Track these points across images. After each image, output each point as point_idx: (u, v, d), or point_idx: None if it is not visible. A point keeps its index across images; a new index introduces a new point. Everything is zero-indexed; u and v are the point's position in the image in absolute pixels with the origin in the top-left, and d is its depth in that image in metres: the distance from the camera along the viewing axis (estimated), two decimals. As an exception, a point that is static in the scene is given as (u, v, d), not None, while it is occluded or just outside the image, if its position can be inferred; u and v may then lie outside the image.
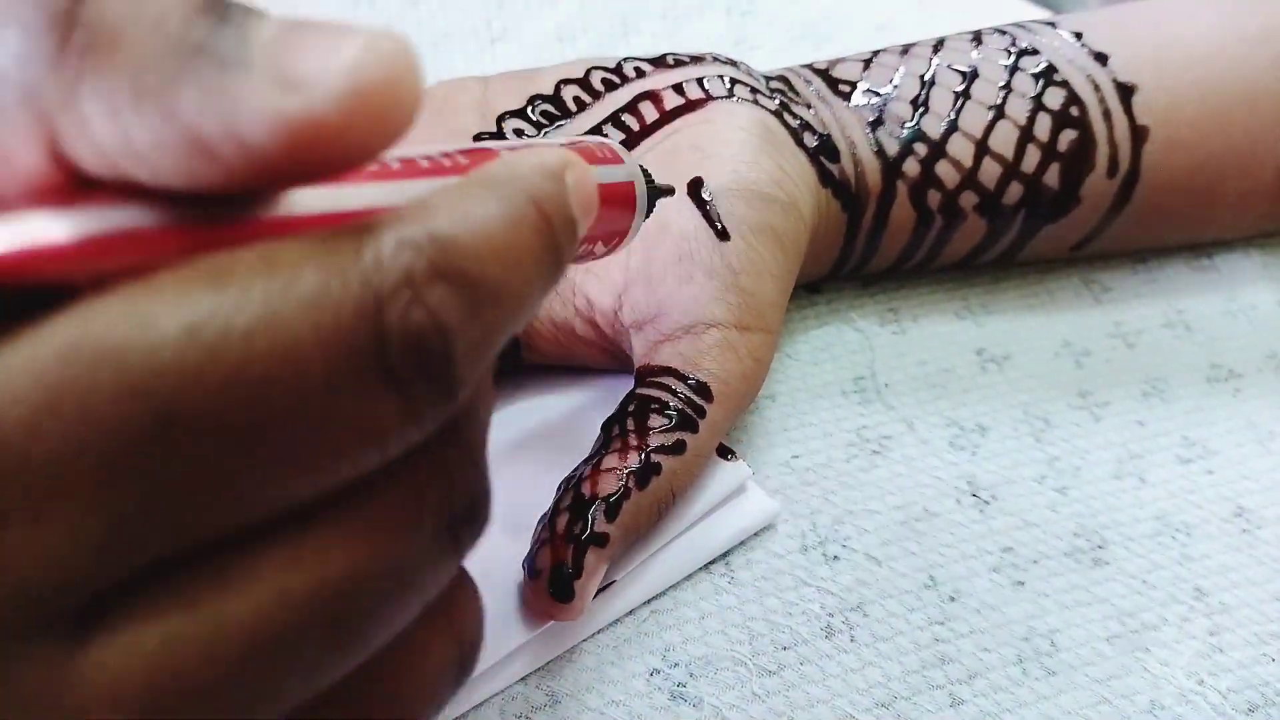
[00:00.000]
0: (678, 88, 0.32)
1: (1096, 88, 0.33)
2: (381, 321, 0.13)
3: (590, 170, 0.17)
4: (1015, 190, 0.33)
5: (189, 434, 0.12)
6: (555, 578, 0.24)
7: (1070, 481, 0.31)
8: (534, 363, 0.31)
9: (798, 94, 0.33)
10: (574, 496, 0.25)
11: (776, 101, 0.32)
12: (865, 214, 0.32)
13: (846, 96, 0.33)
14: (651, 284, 0.28)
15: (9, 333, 0.11)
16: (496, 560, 0.26)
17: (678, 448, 0.26)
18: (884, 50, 0.34)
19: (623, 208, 0.22)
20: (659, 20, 0.45)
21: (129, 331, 0.11)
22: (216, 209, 0.13)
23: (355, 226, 0.13)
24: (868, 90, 0.33)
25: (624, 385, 0.29)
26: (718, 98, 0.31)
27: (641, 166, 0.23)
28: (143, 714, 0.12)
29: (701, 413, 0.27)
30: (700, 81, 0.32)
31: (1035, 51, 0.33)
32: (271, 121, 0.12)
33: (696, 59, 0.33)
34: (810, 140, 0.31)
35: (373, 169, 0.15)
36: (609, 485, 0.25)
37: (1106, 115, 0.33)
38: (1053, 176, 0.32)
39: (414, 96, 0.13)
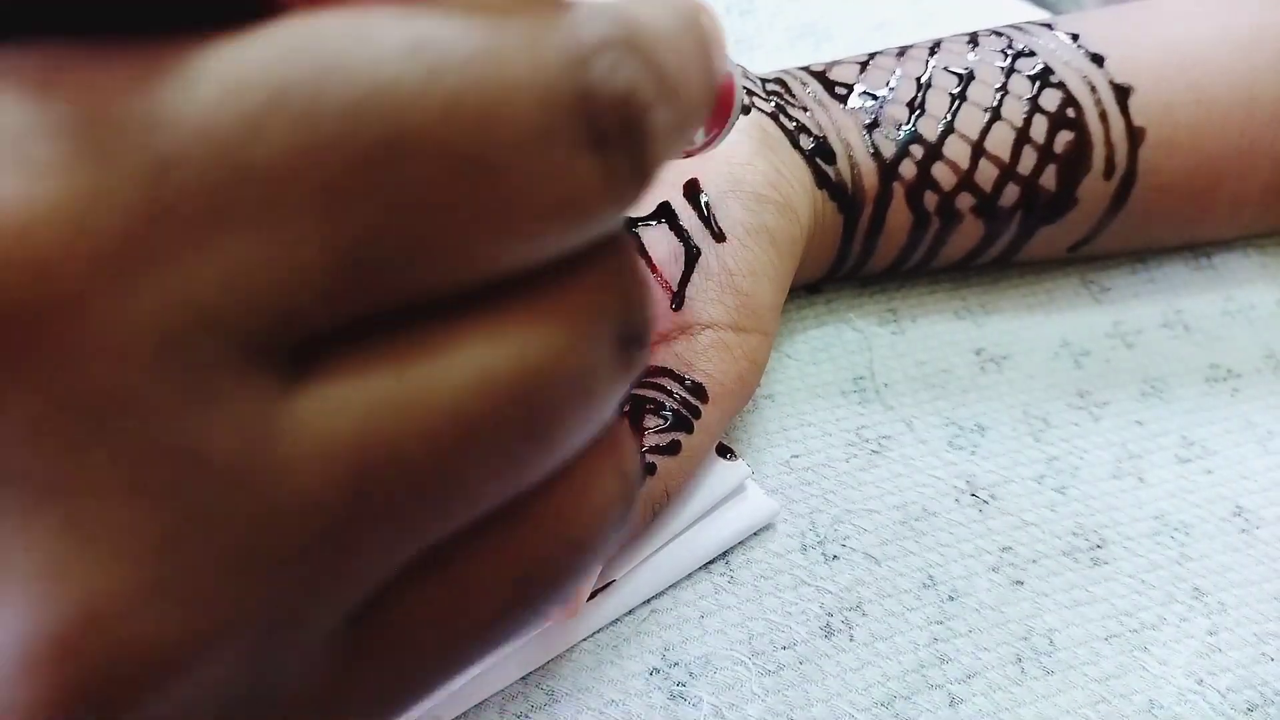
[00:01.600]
0: None
1: (1093, 89, 0.33)
2: (587, 77, 0.12)
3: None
4: (1012, 192, 0.33)
5: (410, 159, 0.11)
6: None
7: (1069, 481, 0.31)
8: None
9: (794, 96, 0.33)
10: None
11: (772, 104, 0.32)
12: (862, 216, 0.32)
13: (843, 99, 0.33)
14: (651, 284, 0.28)
15: (223, 36, 0.11)
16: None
17: (672, 448, 0.26)
18: (880, 52, 0.34)
19: (723, 101, 0.23)
20: (658, 20, 0.45)
21: (351, 43, 0.11)
22: None
23: None
24: (864, 93, 0.33)
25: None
26: None
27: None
28: (347, 481, 0.11)
29: (697, 413, 0.27)
30: None
31: (1031, 53, 0.33)
32: None
33: None
34: (806, 142, 0.31)
35: None
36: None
37: (1103, 117, 0.33)
38: (1049, 178, 0.32)
39: None
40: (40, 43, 0.11)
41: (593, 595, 0.26)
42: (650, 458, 0.26)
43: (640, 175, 0.13)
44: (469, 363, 0.12)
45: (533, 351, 0.13)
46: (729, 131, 0.24)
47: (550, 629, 0.26)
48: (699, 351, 0.28)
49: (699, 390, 0.27)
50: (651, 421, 0.27)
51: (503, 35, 0.12)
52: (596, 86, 0.12)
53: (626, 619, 0.27)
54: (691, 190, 0.29)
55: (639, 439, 0.26)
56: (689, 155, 0.25)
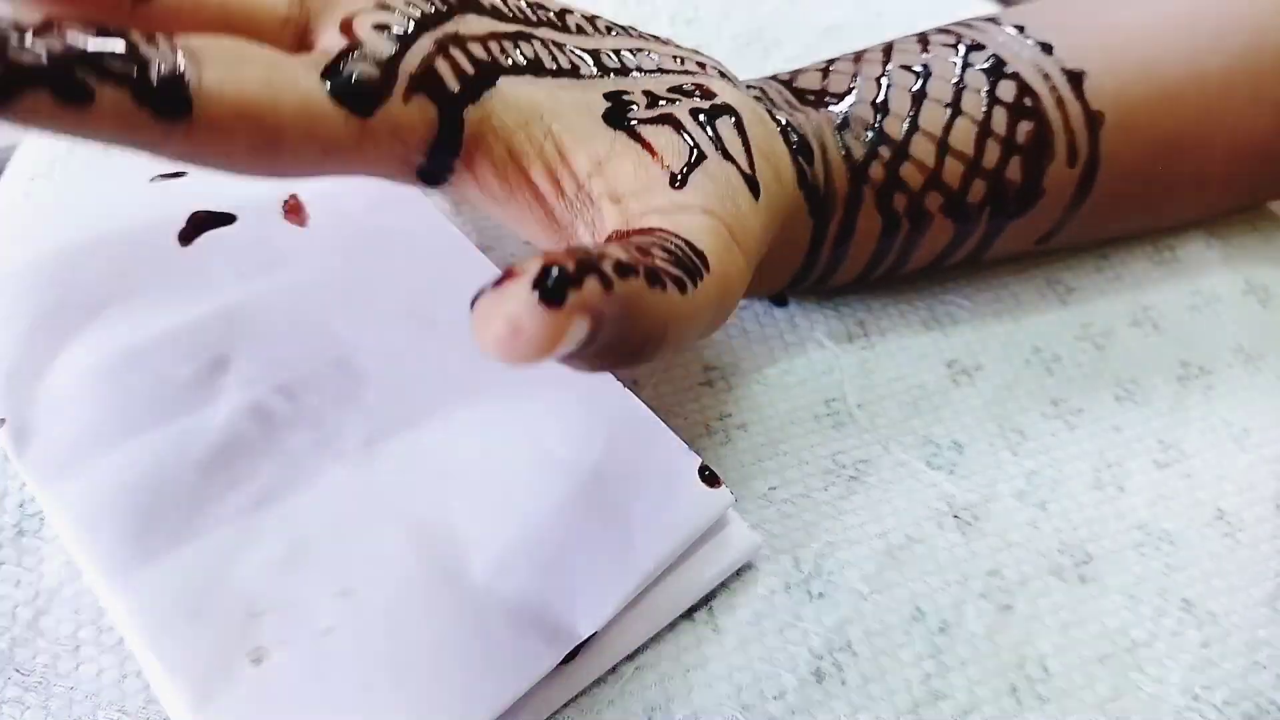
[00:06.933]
0: (676, 57, 0.30)
1: (1046, 77, 0.33)
2: None
3: None
4: (979, 187, 0.32)
5: None
6: (545, 274, 0.18)
7: (1049, 495, 0.31)
8: (460, 196, 0.27)
9: (773, 100, 0.32)
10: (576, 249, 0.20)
11: (762, 104, 0.31)
12: (832, 220, 0.31)
13: (813, 103, 0.32)
14: (646, 163, 0.26)
15: None
16: (466, 621, 0.25)
17: (679, 283, 0.22)
18: (838, 58, 0.34)
19: None
20: (601, 32, 0.43)
21: None
22: None
23: None
24: (831, 95, 0.32)
25: (586, 406, 0.28)
26: (712, 75, 0.30)
27: None
28: None
29: (699, 274, 0.23)
30: (700, 61, 0.31)
31: (982, 46, 0.33)
32: None
33: (695, 50, 0.32)
34: (793, 137, 0.30)
35: None
36: (619, 252, 0.21)
37: (1060, 103, 0.32)
38: (1014, 170, 0.32)
39: None
40: None
41: (574, 654, 0.25)
42: (661, 274, 0.22)
43: None
44: None
45: None
46: None
47: (531, 696, 0.25)
48: (698, 228, 0.25)
49: (701, 255, 0.24)
50: (658, 252, 0.23)
51: None
52: None
53: (609, 679, 0.26)
54: (697, 112, 0.28)
55: (649, 259, 0.22)
56: None
